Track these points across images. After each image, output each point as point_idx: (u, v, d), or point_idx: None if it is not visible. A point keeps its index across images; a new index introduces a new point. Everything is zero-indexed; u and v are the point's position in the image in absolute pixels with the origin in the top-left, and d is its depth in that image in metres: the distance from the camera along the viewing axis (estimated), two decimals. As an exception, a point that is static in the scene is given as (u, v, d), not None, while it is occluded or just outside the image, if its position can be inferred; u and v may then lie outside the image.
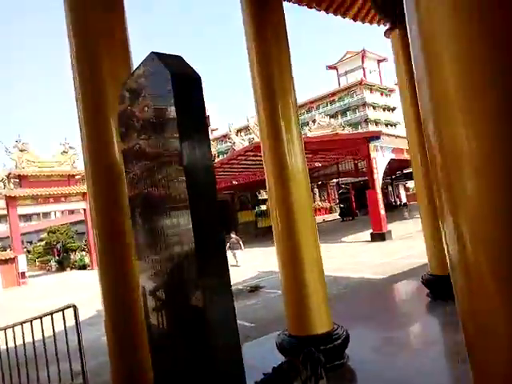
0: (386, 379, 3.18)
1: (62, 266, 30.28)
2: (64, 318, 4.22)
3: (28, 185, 24.96)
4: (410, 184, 55.47)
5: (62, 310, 4.20)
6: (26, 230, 34.43)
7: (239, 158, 20.29)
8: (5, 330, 5.21)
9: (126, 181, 2.59)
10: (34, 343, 4.65)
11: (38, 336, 4.69)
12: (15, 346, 4.96)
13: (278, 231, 3.66)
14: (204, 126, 1.41)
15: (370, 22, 7.14)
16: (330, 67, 59.00)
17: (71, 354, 4.45)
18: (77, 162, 27.55)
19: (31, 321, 4.74)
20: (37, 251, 36.47)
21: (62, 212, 44.24)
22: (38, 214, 50.32)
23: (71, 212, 41.62)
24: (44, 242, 36.42)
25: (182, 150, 1.33)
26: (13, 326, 5.08)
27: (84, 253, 29.26)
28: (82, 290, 15.59)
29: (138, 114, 1.64)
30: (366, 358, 3.66)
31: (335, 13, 6.53)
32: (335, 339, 3.57)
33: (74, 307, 4.01)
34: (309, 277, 3.53)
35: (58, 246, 33.08)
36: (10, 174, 24.47)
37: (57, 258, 32.71)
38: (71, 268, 29.00)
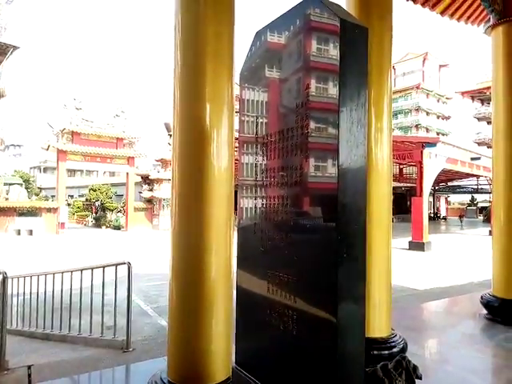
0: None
1: (98, 223, 31.61)
2: (116, 273, 4.27)
3: (79, 142, 25.97)
4: (453, 198, 53.35)
5: (116, 265, 4.24)
6: (69, 185, 36.22)
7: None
8: (53, 274, 5.38)
9: (214, 149, 2.51)
10: (81, 291, 4.77)
11: (76, 285, 4.81)
12: (61, 291, 5.13)
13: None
14: (365, 84, 1.23)
15: (459, 19, 6.73)
16: (388, 67, 56.69)
17: (98, 308, 4.55)
18: (126, 127, 28.29)
19: (81, 270, 4.86)
20: (76, 206, 38.22)
21: (104, 172, 45.94)
22: (81, 171, 52.62)
23: (112, 174, 43.10)
24: (84, 198, 38.08)
25: (340, 111, 1.16)
26: (62, 272, 5.25)
27: (120, 214, 30.32)
28: (116, 249, 16.14)
29: (283, 64, 1.48)
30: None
31: (423, 5, 6.26)
32: (393, 346, 3.35)
33: (129, 264, 4.02)
34: (375, 276, 3.32)
35: (97, 203, 34.49)
36: (64, 129, 25.49)
37: (94, 214, 34.16)
38: (106, 226, 30.19)
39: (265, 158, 1.56)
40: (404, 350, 3.38)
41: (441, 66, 53.80)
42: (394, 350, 3.32)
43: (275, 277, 1.45)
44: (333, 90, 1.23)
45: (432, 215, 39.41)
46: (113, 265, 4.29)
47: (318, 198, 1.31)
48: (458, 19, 6.47)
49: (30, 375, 3.05)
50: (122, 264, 4.17)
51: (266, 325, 1.49)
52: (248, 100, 1.74)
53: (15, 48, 27.62)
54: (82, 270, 4.82)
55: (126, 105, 44.56)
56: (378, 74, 3.44)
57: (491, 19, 4.98)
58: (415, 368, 1.75)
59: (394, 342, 3.37)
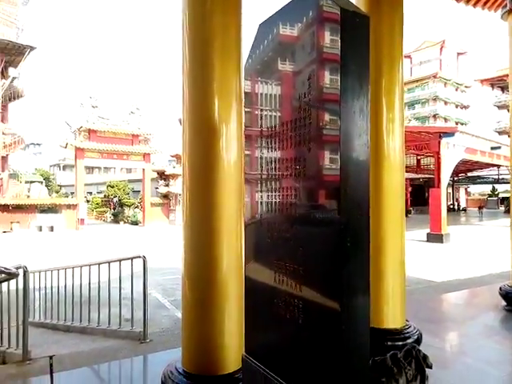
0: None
1: (116, 219, 32.20)
2: (132, 267, 4.36)
3: (96, 139, 26.42)
4: (473, 189, 52.15)
5: (131, 258, 4.33)
6: (87, 182, 37.02)
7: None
8: (73, 268, 5.53)
9: (223, 144, 2.54)
10: (99, 285, 4.89)
11: (95, 279, 4.93)
12: (80, 285, 5.28)
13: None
14: (367, 74, 1.22)
15: (475, 5, 6.52)
16: (404, 56, 55.45)
17: (116, 301, 4.65)
18: (141, 124, 28.59)
19: (99, 264, 4.98)
20: (95, 202, 38.96)
21: (121, 169, 46.67)
22: (99, 168, 53.53)
23: (129, 170, 43.74)
24: (103, 194, 38.79)
25: (341, 101, 1.16)
26: (81, 266, 5.39)
27: (137, 210, 30.80)
28: (133, 244, 16.43)
29: (286, 55, 1.48)
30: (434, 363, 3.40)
31: None
32: (407, 337, 3.34)
33: (144, 258, 4.11)
34: (389, 267, 3.32)
35: (115, 200, 35.10)
36: (81, 127, 25.97)
37: (112, 210, 34.79)
38: (124, 222, 30.72)
39: (269, 150, 1.58)
40: (419, 340, 3.36)
41: (459, 53, 52.37)
42: (409, 340, 3.31)
43: (281, 267, 1.47)
44: (334, 80, 1.23)
45: (452, 206, 38.66)
46: (128, 258, 4.39)
47: (321, 187, 1.32)
48: (474, 5, 6.29)
49: (51, 365, 3.15)
50: (137, 258, 4.26)
51: (274, 314, 1.51)
52: (252, 93, 1.75)
53: (32, 48, 28.27)
54: (99, 264, 4.94)
55: (141, 101, 45.11)
56: (389, 65, 3.40)
57: (508, 4, 4.84)
58: (425, 357, 1.74)
59: (408, 333, 3.36)
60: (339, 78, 1.20)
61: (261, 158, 1.62)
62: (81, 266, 5.34)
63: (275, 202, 1.56)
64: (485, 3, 6.24)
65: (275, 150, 1.53)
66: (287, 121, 1.49)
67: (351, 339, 1.22)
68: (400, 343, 3.21)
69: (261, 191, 1.66)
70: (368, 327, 1.27)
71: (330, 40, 1.26)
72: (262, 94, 1.66)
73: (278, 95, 1.57)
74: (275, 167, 1.55)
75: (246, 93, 1.87)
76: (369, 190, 1.29)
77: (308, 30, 1.37)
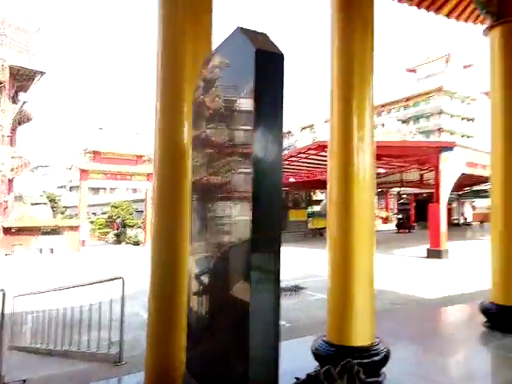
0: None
1: (118, 240, 32.17)
2: (123, 288, 4.39)
3: (100, 160, 26.84)
4: (478, 203, 51.47)
5: (111, 280, 4.40)
6: (92, 202, 37.23)
7: (299, 155, 20.45)
8: (57, 291, 5.62)
9: (190, 166, 2.63)
10: (88, 308, 4.94)
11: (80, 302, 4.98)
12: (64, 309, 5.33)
13: (333, 235, 3.50)
14: (281, 107, 1.34)
15: (466, 20, 6.59)
16: (409, 70, 56.04)
17: (106, 324, 4.64)
18: (146, 144, 29.08)
19: (83, 285, 5.06)
20: (99, 223, 39.05)
21: (127, 189, 47.14)
22: (104, 189, 54.06)
23: (134, 190, 44.15)
24: (107, 215, 38.99)
25: (254, 135, 1.30)
26: (65, 288, 5.47)
27: (140, 230, 30.91)
28: (131, 265, 16.31)
29: (214, 92, 1.63)
30: (404, 380, 3.41)
31: (428, 8, 6.17)
32: (374, 354, 3.33)
33: (122, 279, 4.18)
34: (358, 286, 3.33)
35: (118, 220, 35.24)
36: (86, 149, 26.47)
37: (115, 231, 34.85)
38: (126, 243, 30.70)
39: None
40: (386, 358, 3.34)
41: (465, 66, 52.58)
42: (375, 358, 3.29)
43: (203, 283, 1.58)
44: (249, 112, 1.36)
45: (456, 221, 38.25)
46: (108, 280, 4.46)
47: (243, 204, 1.45)
48: (457, 18, 6.36)
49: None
50: (118, 279, 4.33)
51: (199, 328, 1.59)
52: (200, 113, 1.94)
53: (42, 74, 29.09)
54: (84, 286, 5.02)
55: (145, 123, 45.91)
56: (359, 85, 3.45)
57: (488, 20, 4.96)
58: (358, 372, 1.79)
59: (375, 350, 3.33)
60: (253, 109, 1.32)
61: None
62: (63, 289, 5.41)
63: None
64: (467, 18, 6.34)
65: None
66: (219, 146, 1.63)
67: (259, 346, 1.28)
68: (366, 361, 3.20)
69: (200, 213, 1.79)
70: (277, 327, 1.32)
71: (245, 77, 1.38)
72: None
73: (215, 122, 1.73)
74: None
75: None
76: (279, 209, 1.39)
77: (231, 68, 1.52)
